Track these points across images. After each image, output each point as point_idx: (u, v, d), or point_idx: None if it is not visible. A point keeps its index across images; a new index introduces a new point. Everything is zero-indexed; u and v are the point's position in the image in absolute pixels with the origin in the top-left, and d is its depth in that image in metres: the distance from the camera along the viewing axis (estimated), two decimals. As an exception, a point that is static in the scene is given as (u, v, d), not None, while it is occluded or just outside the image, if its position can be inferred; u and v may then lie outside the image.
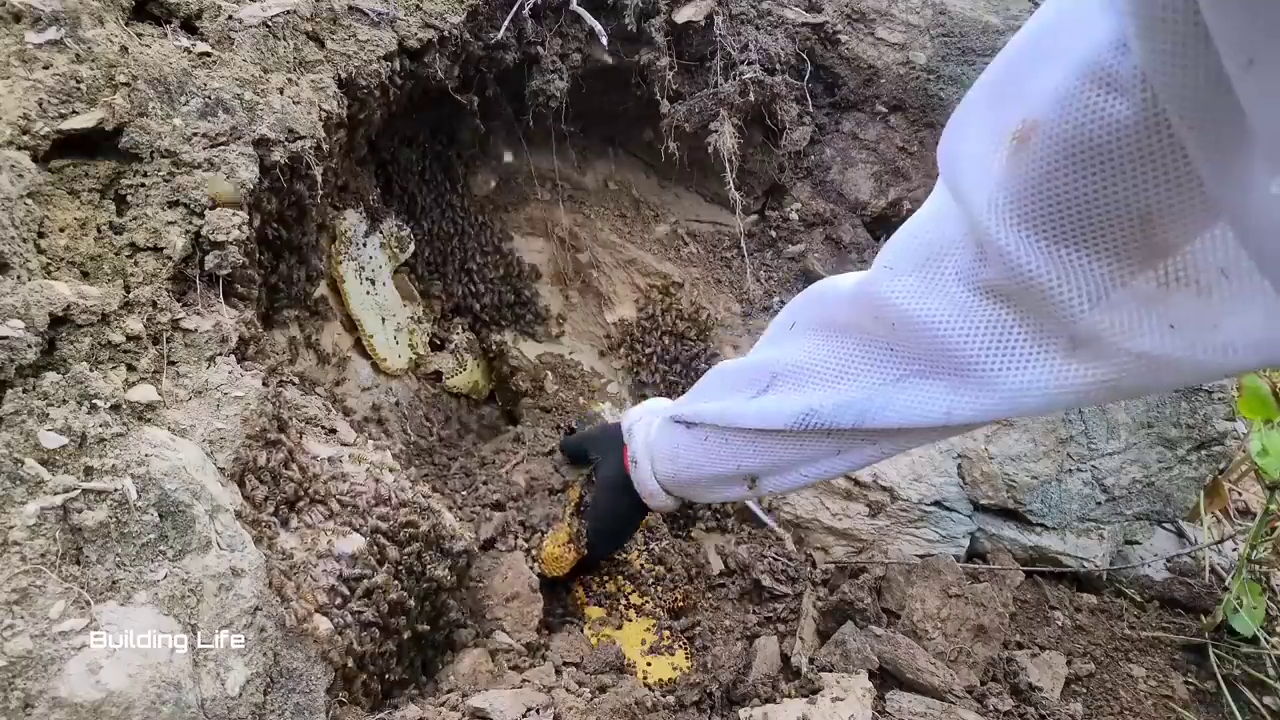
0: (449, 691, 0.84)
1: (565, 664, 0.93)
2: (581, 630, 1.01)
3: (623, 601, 1.09)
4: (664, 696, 0.90)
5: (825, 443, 0.74)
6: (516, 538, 1.06)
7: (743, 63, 1.24)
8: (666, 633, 1.03)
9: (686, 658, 0.99)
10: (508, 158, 1.41)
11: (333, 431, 0.90)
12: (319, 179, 0.93)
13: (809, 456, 0.76)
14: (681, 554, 1.19)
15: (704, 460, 0.84)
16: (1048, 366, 0.56)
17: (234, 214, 0.79)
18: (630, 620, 1.05)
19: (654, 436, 0.90)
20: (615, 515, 1.01)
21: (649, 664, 0.98)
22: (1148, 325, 0.52)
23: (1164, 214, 0.47)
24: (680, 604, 1.10)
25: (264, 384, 0.76)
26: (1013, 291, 0.55)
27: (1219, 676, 1.08)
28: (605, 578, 1.12)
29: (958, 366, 0.60)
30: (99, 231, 0.75)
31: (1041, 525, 1.25)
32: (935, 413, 0.62)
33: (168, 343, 0.73)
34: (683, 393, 1.33)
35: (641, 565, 1.15)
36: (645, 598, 1.09)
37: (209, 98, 0.82)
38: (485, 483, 1.17)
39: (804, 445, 0.75)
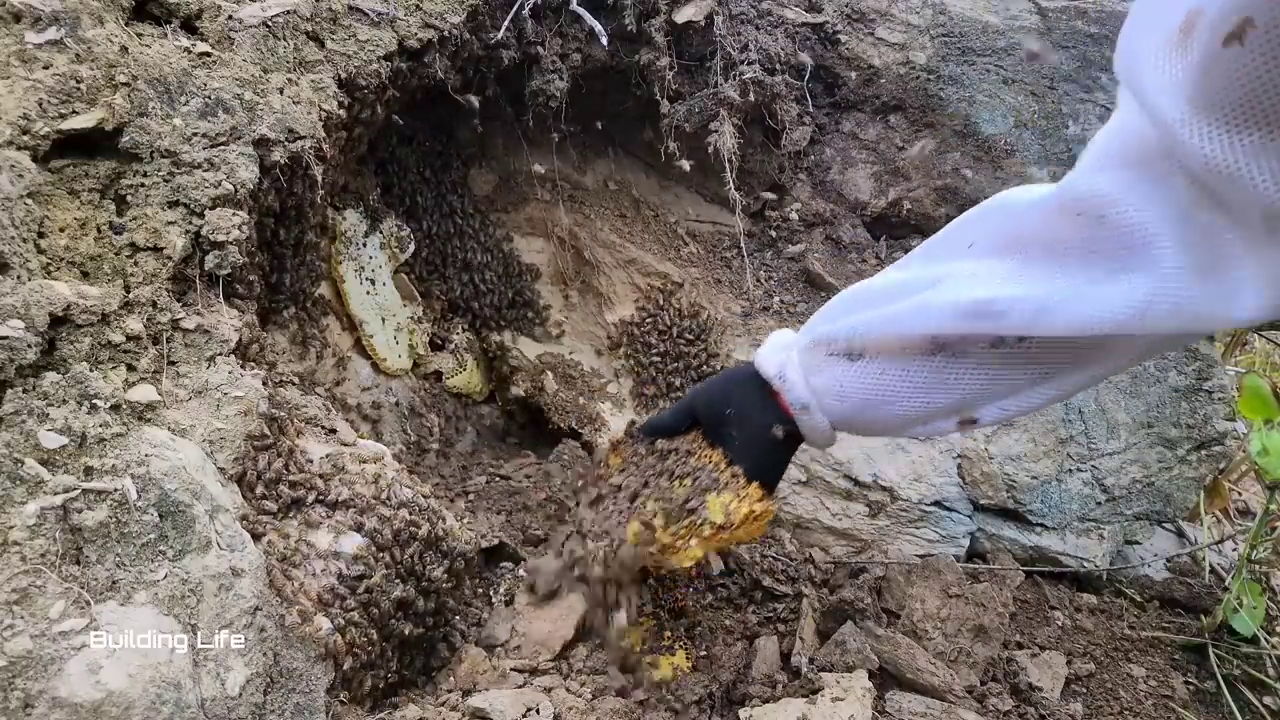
0: (449, 691, 0.84)
1: (565, 664, 0.93)
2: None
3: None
4: (664, 696, 0.90)
5: (1012, 361, 0.66)
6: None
7: (743, 63, 1.24)
8: (667, 633, 1.03)
9: (687, 658, 0.99)
10: (507, 158, 1.41)
11: (332, 431, 0.90)
12: (319, 179, 0.93)
13: (997, 380, 0.68)
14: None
15: (878, 397, 0.75)
16: (1253, 260, 0.53)
17: (234, 214, 0.79)
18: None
19: (812, 376, 0.80)
20: (777, 467, 0.89)
21: (650, 663, 0.98)
22: None
23: None
24: (680, 604, 1.10)
25: (264, 384, 0.76)
26: (1210, 184, 0.52)
27: (1219, 676, 1.08)
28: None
29: (1159, 258, 0.56)
30: (99, 231, 0.75)
31: (1041, 525, 1.25)
32: (1135, 301, 0.57)
33: (168, 343, 0.73)
34: (681, 391, 1.34)
35: None
36: (644, 598, 1.09)
37: (209, 98, 0.82)
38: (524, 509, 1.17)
39: (988, 367, 0.68)
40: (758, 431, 0.85)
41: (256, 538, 0.70)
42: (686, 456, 0.91)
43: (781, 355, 0.83)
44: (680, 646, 1.00)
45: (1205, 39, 0.47)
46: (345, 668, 0.73)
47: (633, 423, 1.04)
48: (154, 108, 0.79)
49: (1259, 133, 0.48)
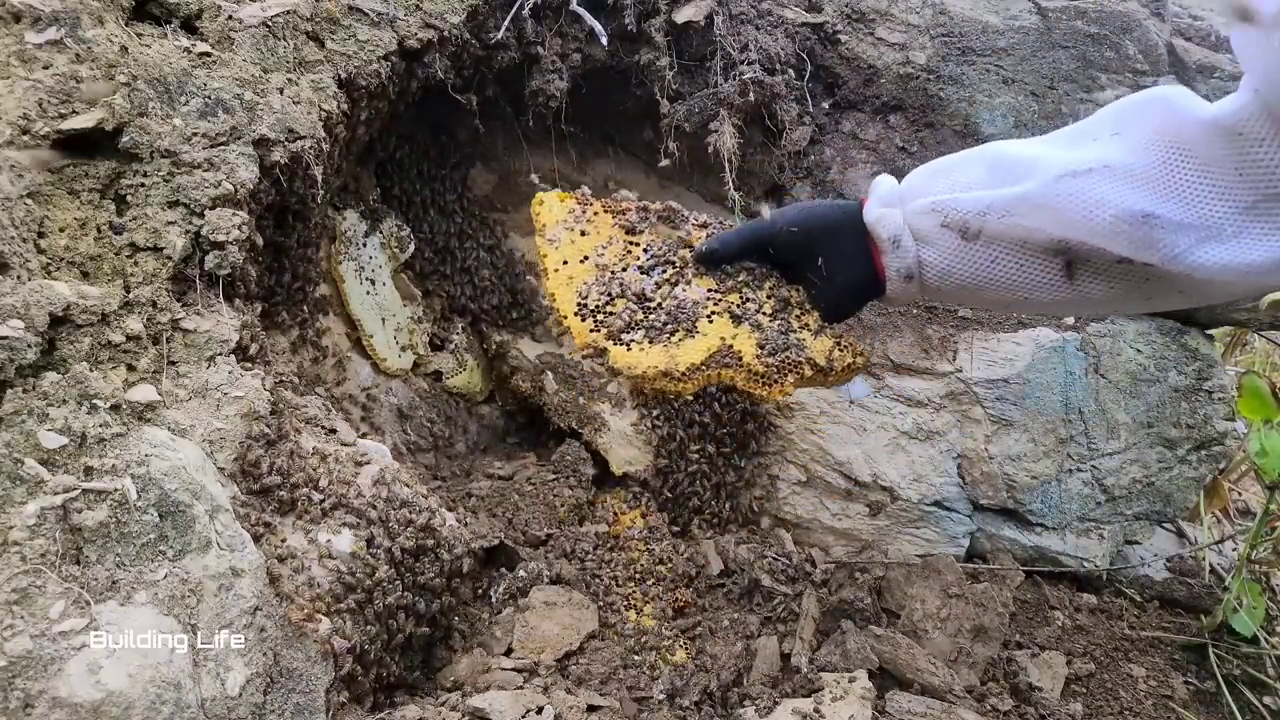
0: (449, 691, 0.84)
1: (565, 665, 0.93)
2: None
3: (623, 604, 1.09)
4: (665, 696, 0.90)
5: (1128, 279, 0.63)
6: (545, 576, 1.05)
7: (743, 63, 1.24)
8: (667, 631, 1.03)
9: (687, 657, 0.99)
10: (507, 158, 1.41)
11: (332, 431, 0.90)
12: (319, 179, 0.93)
13: (1106, 294, 0.65)
14: (681, 554, 1.19)
15: (985, 283, 0.72)
16: None
17: (234, 214, 0.79)
18: (630, 620, 1.05)
19: (922, 248, 0.75)
20: (842, 317, 0.86)
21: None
22: None
23: None
24: (681, 604, 1.10)
25: (264, 384, 0.76)
26: None
27: (1219, 676, 1.08)
28: (610, 580, 1.12)
29: None
30: (99, 231, 0.75)
31: (1041, 525, 1.25)
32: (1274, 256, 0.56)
33: (168, 343, 0.73)
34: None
35: (642, 566, 1.15)
36: (646, 598, 1.09)
37: (209, 98, 0.82)
38: (522, 510, 1.17)
39: (1101, 280, 0.65)
40: (848, 287, 0.82)
41: (256, 538, 0.70)
42: (774, 286, 0.84)
43: (895, 215, 0.77)
44: (681, 647, 1.00)
45: None
46: (345, 668, 0.73)
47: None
48: (154, 108, 0.79)
49: None
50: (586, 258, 0.85)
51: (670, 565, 1.16)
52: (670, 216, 0.90)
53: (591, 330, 0.81)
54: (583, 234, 0.87)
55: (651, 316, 0.83)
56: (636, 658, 0.98)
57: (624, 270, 0.86)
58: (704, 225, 0.91)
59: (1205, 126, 0.61)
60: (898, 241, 0.77)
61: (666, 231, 0.89)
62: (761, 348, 0.81)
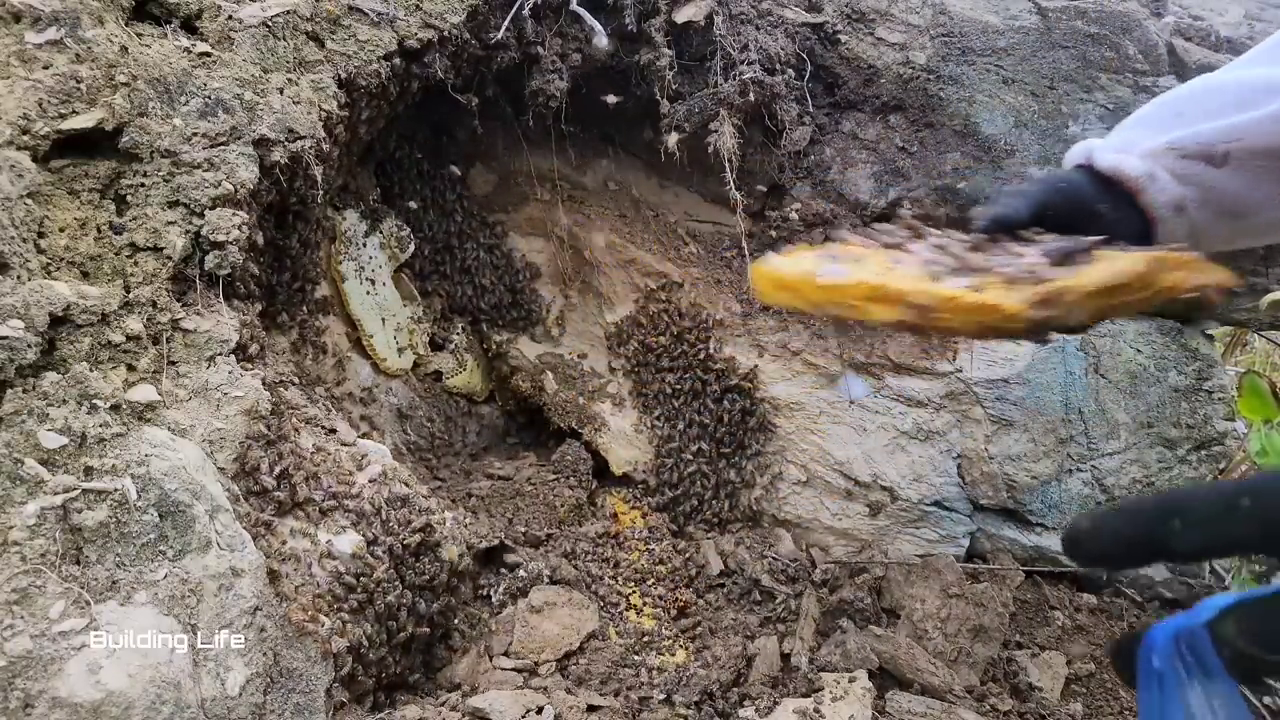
0: (449, 691, 0.84)
1: (565, 664, 0.93)
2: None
3: (623, 604, 1.09)
4: (665, 696, 0.90)
5: None
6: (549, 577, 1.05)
7: (742, 63, 1.24)
8: (666, 631, 1.03)
9: (687, 657, 0.99)
10: (507, 158, 1.41)
11: (332, 431, 0.90)
12: (319, 179, 0.93)
13: None
14: (681, 554, 1.19)
15: (1249, 207, 0.68)
16: None
17: (234, 214, 0.79)
18: (630, 619, 1.05)
19: (1185, 181, 0.69)
20: None
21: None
22: None
23: None
24: (681, 604, 1.10)
25: (264, 384, 0.76)
26: None
27: (1219, 676, 1.08)
28: (610, 580, 1.12)
29: None
30: (99, 231, 0.75)
31: (1041, 525, 1.25)
32: None
33: (168, 343, 0.73)
34: (678, 396, 1.34)
35: (642, 566, 1.15)
36: (646, 598, 1.09)
37: (209, 98, 0.82)
38: (523, 510, 1.17)
39: None
40: (1126, 238, 0.70)
41: (256, 538, 0.70)
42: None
43: (1130, 159, 0.71)
44: (681, 647, 1.00)
45: None
46: (345, 668, 0.73)
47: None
48: (154, 108, 0.79)
49: None
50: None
51: (670, 565, 1.16)
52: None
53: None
54: (856, 261, 0.68)
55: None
56: (636, 658, 0.98)
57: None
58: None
59: None
60: (1152, 175, 0.70)
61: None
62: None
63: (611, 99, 1.27)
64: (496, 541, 1.09)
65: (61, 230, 0.73)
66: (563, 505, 1.21)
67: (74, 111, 0.75)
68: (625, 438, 1.34)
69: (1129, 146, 0.72)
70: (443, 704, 0.79)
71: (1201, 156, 0.67)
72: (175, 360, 0.73)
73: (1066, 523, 0.72)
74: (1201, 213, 0.70)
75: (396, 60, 1.03)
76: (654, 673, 0.96)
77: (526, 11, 1.15)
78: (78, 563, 0.61)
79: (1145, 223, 0.72)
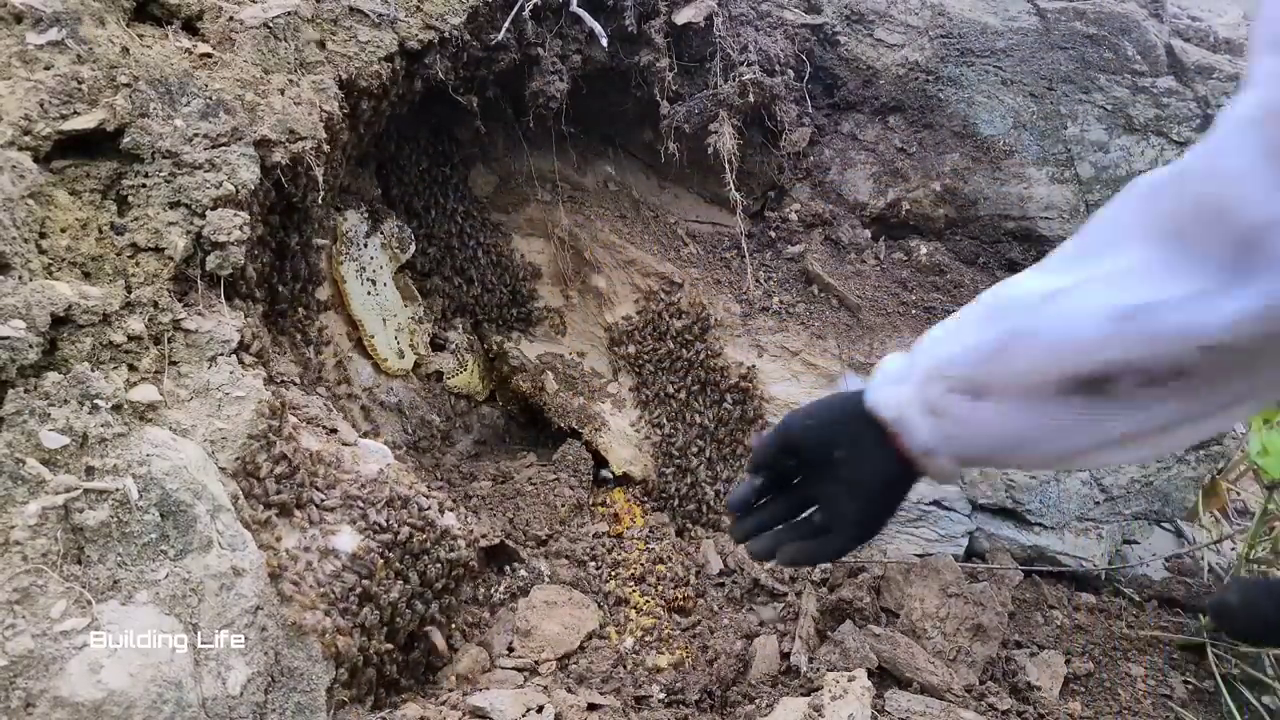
0: (449, 691, 0.84)
1: (566, 664, 0.93)
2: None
3: (623, 603, 1.09)
4: (665, 695, 0.90)
5: (1148, 395, 0.56)
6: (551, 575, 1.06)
7: (742, 64, 1.24)
8: (666, 629, 1.03)
9: (687, 655, 0.99)
10: (507, 158, 1.42)
11: (333, 431, 0.90)
12: (320, 179, 0.93)
13: (1149, 418, 0.58)
14: (681, 554, 1.19)
15: (1007, 438, 0.67)
16: None
17: (235, 214, 0.79)
18: (631, 619, 1.05)
19: (936, 419, 0.71)
20: (888, 509, 0.81)
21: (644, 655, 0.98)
22: None
23: None
24: (681, 603, 1.10)
25: (265, 384, 0.77)
26: None
27: (1217, 676, 1.08)
28: (610, 580, 1.12)
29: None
30: (100, 232, 0.75)
31: (1040, 525, 1.25)
32: (1258, 305, 0.49)
33: (169, 343, 0.73)
34: (677, 396, 1.34)
35: (643, 565, 1.15)
36: (646, 597, 1.09)
37: (210, 99, 0.83)
38: (525, 509, 1.18)
39: (1134, 408, 0.58)
40: (871, 480, 0.78)
41: (257, 537, 0.71)
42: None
43: (897, 392, 0.73)
44: (680, 646, 1.00)
45: None
46: (346, 667, 0.73)
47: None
48: (155, 108, 0.79)
49: None
50: None
51: (670, 564, 1.16)
52: None
53: None
54: None
55: None
56: (636, 657, 0.98)
57: None
58: None
59: (1170, 190, 0.56)
60: (900, 420, 0.72)
61: None
62: None
63: (611, 100, 1.27)
64: (497, 541, 1.09)
65: (63, 231, 0.73)
66: (563, 505, 1.22)
67: (75, 112, 0.75)
68: (625, 437, 1.34)
69: (911, 370, 0.71)
70: (443, 703, 0.79)
71: (963, 390, 0.66)
72: (176, 360, 0.73)
73: (1215, 594, 0.77)
74: (971, 450, 0.69)
75: (397, 61, 1.03)
76: (654, 672, 0.96)
77: (527, 13, 1.15)
78: (79, 562, 0.61)
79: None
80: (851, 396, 0.79)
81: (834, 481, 0.80)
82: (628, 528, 1.22)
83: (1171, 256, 0.55)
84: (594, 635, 0.99)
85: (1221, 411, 0.58)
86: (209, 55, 0.86)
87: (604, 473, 1.34)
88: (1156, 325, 0.55)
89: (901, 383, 0.73)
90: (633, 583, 1.12)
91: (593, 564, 1.14)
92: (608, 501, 1.29)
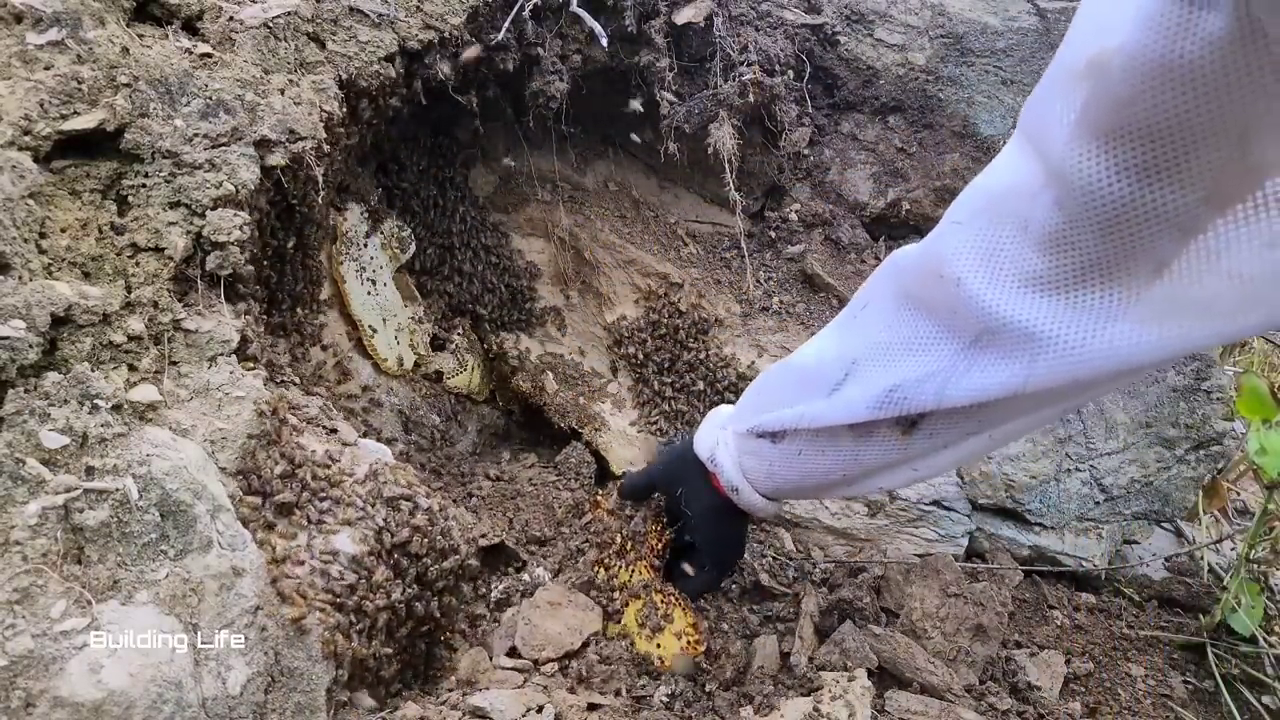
0: (449, 691, 0.84)
1: (566, 664, 0.93)
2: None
3: (624, 603, 1.09)
4: (665, 695, 0.90)
5: (921, 437, 0.69)
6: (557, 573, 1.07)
7: (742, 64, 1.24)
8: (658, 597, 0.99)
9: (686, 615, 0.97)
10: (507, 159, 1.42)
11: (333, 431, 0.90)
12: (320, 180, 0.93)
13: (913, 454, 0.71)
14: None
15: (803, 474, 0.80)
16: (1124, 323, 0.54)
17: (235, 214, 0.79)
18: (624, 608, 1.03)
19: (743, 458, 0.85)
20: (730, 539, 0.96)
21: (658, 645, 0.96)
22: (1247, 252, 0.50)
23: (1263, 129, 0.45)
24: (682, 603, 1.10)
25: (265, 384, 0.77)
26: (1089, 233, 0.53)
27: (1217, 676, 1.08)
28: (611, 580, 1.12)
29: (1022, 335, 0.57)
30: (100, 232, 0.75)
31: (1040, 525, 1.25)
32: (1013, 380, 0.59)
33: (169, 343, 0.73)
34: (678, 396, 1.34)
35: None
36: (630, 571, 1.07)
37: (210, 99, 0.83)
38: (523, 509, 1.18)
39: (904, 444, 0.70)
40: (705, 511, 0.92)
41: (257, 537, 0.71)
42: (638, 541, 1.01)
43: (715, 436, 0.88)
44: (675, 607, 0.97)
45: (1117, 74, 0.48)
46: (346, 667, 0.73)
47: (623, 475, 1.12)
48: (155, 108, 0.79)
49: (1163, 177, 0.48)
50: None
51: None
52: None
53: None
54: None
55: None
56: (637, 656, 0.98)
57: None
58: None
59: (915, 271, 0.67)
60: (714, 460, 0.87)
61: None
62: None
63: (611, 100, 1.27)
64: (498, 541, 1.09)
65: (63, 231, 0.73)
66: (561, 507, 1.21)
67: (75, 112, 0.75)
68: (625, 437, 1.34)
69: (733, 420, 0.87)
70: (443, 703, 0.79)
71: (767, 435, 0.81)
72: (176, 360, 0.73)
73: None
74: (772, 482, 0.84)
75: (397, 61, 1.03)
76: (654, 672, 0.96)
77: (527, 13, 1.15)
78: (79, 562, 0.61)
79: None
80: (684, 446, 0.94)
81: (683, 514, 0.95)
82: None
83: (915, 326, 0.67)
84: (595, 636, 0.99)
85: (957, 448, 0.71)
86: (209, 55, 0.86)
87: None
88: (910, 400, 0.67)
89: (723, 428, 0.88)
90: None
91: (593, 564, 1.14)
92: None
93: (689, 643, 0.93)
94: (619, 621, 0.97)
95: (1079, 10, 0.54)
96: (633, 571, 1.00)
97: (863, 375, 0.71)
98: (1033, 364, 0.58)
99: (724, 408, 0.92)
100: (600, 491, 1.21)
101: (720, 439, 0.87)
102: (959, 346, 0.63)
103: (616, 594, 0.98)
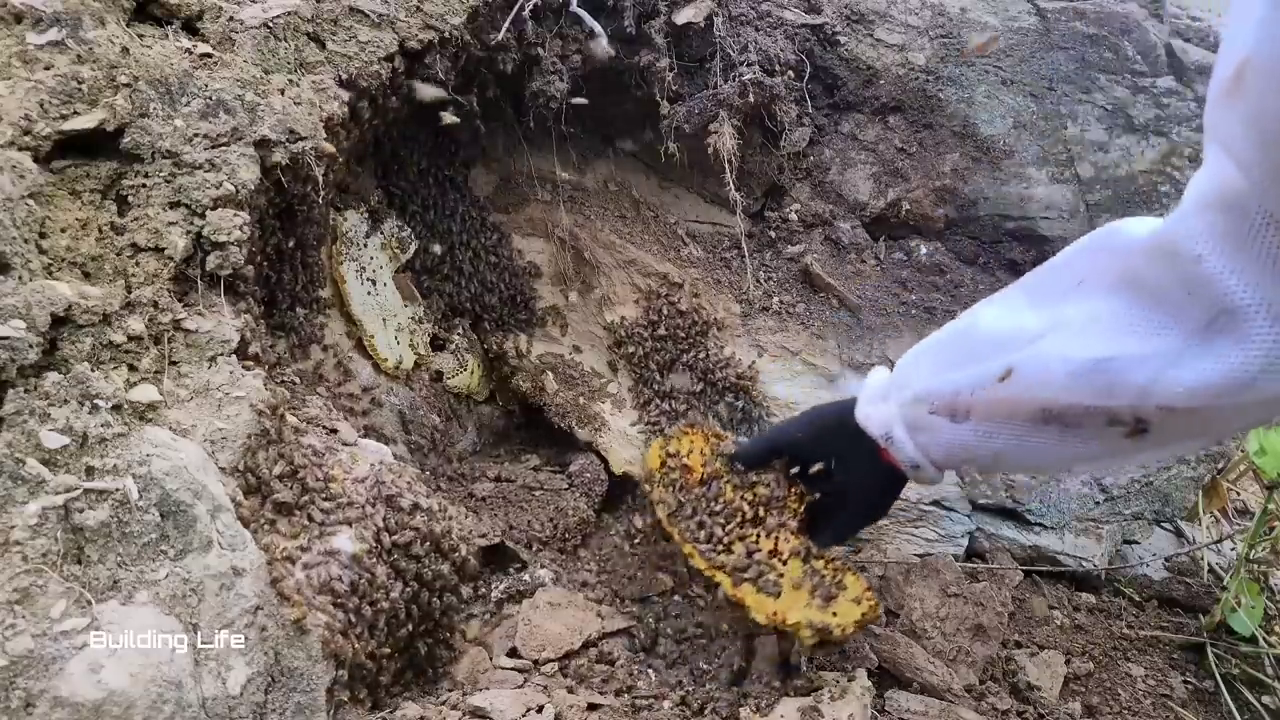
0: (449, 691, 0.84)
1: (566, 664, 0.93)
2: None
3: (624, 602, 1.09)
4: (666, 698, 0.90)
5: (1115, 432, 0.62)
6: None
7: (742, 64, 1.24)
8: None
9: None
10: (507, 158, 1.42)
11: (333, 431, 0.90)
12: (320, 180, 0.93)
13: (1129, 450, 0.65)
14: (682, 555, 1.19)
15: (992, 461, 0.74)
16: None
17: (235, 214, 0.79)
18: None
19: (916, 435, 0.78)
20: (887, 501, 0.91)
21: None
22: None
23: None
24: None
25: (265, 384, 0.77)
26: None
27: (1217, 676, 1.08)
28: (611, 579, 1.12)
29: (1268, 318, 0.53)
30: (100, 232, 0.75)
31: (1040, 525, 1.25)
32: (1247, 369, 0.54)
33: (169, 343, 0.73)
34: (676, 396, 1.34)
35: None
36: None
37: (210, 99, 0.83)
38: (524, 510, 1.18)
39: (1101, 440, 0.64)
40: (871, 485, 0.86)
41: (257, 537, 0.71)
42: (777, 505, 0.94)
43: (884, 410, 0.81)
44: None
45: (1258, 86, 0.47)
46: (346, 667, 0.73)
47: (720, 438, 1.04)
48: (155, 108, 0.79)
49: None
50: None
51: (668, 563, 1.16)
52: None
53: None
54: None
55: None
56: (637, 656, 0.98)
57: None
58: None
59: (1145, 252, 0.61)
60: (889, 437, 0.80)
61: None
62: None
63: (611, 100, 1.27)
64: (498, 541, 1.09)
65: (63, 231, 0.73)
66: (567, 515, 1.21)
67: (75, 112, 0.75)
68: (626, 438, 1.34)
69: (894, 390, 0.80)
70: (443, 703, 0.79)
71: (945, 412, 0.74)
72: (176, 360, 0.73)
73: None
74: (954, 460, 0.78)
75: (397, 61, 1.03)
76: (654, 672, 0.96)
77: (527, 13, 1.15)
78: (79, 562, 0.61)
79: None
80: (837, 412, 0.88)
81: (827, 482, 0.91)
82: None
83: (1138, 312, 0.61)
84: (595, 636, 0.99)
85: (1176, 447, 0.63)
86: (209, 55, 0.86)
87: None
88: (1118, 379, 0.61)
89: (886, 400, 0.81)
90: (633, 582, 1.12)
91: (594, 564, 1.14)
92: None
93: (869, 607, 0.87)
94: (774, 594, 0.90)
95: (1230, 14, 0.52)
96: (777, 539, 0.93)
97: (1064, 340, 0.64)
98: (1271, 355, 0.54)
99: (882, 373, 0.84)
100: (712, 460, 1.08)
101: (890, 414, 0.80)
102: (1190, 329, 0.57)
103: (764, 565, 0.91)
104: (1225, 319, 0.56)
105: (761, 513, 0.94)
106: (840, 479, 0.89)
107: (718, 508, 0.96)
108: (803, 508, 0.94)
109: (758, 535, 0.93)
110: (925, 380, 0.76)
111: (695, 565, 0.95)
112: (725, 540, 0.94)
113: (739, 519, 0.94)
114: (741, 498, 0.95)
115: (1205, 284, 0.56)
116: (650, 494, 1.02)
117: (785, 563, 0.91)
